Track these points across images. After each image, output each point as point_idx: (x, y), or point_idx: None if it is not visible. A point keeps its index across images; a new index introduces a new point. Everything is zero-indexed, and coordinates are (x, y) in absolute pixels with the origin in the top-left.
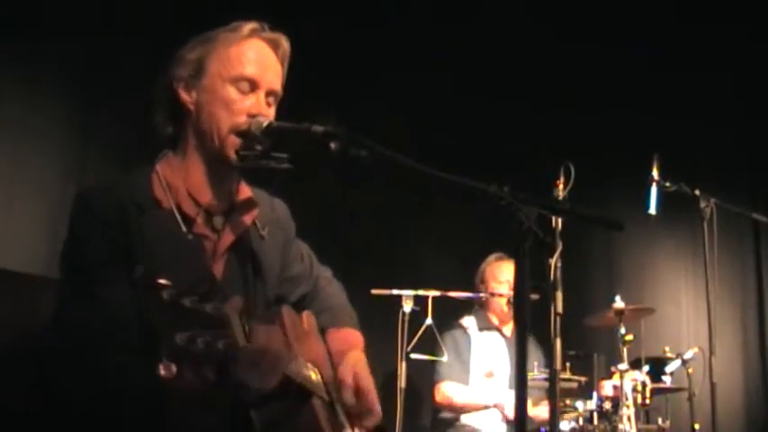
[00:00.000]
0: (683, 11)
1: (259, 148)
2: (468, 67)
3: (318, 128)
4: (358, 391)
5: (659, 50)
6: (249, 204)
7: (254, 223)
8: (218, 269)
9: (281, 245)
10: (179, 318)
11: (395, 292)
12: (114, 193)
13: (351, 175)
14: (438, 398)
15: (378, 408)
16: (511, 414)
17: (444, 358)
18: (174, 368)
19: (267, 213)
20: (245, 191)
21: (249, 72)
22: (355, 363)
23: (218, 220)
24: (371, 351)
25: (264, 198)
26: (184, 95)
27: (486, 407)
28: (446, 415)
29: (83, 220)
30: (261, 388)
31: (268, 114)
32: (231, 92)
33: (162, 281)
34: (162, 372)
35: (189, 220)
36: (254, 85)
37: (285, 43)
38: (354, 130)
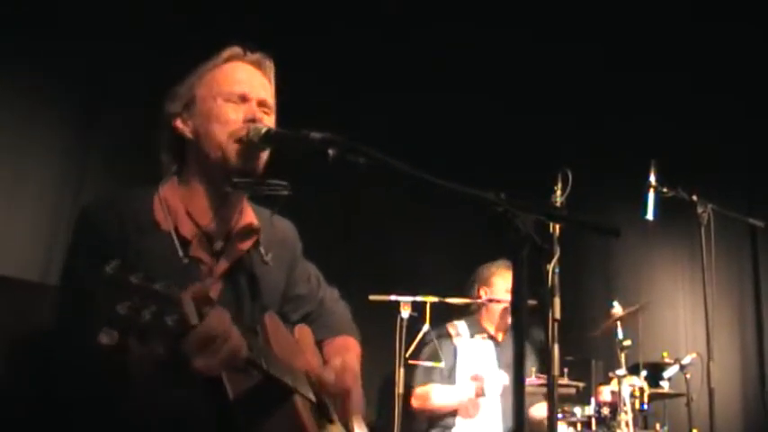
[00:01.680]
0: (682, 14)
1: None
2: (465, 73)
3: (316, 135)
4: (338, 371)
5: (657, 57)
6: (250, 231)
7: (257, 248)
8: (214, 292)
9: (285, 266)
10: (123, 291)
11: (393, 297)
12: (116, 210)
13: (349, 181)
14: (414, 403)
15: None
16: (489, 387)
17: (442, 364)
18: (115, 335)
19: (269, 234)
20: (248, 215)
21: (237, 88)
22: (340, 362)
23: (217, 245)
24: (369, 356)
25: (266, 218)
26: (182, 127)
27: (460, 402)
28: (442, 422)
29: (82, 233)
30: (209, 368)
31: (262, 119)
32: (222, 107)
33: (114, 260)
34: (103, 339)
35: (186, 244)
36: (244, 98)
37: (268, 61)
38: (351, 138)
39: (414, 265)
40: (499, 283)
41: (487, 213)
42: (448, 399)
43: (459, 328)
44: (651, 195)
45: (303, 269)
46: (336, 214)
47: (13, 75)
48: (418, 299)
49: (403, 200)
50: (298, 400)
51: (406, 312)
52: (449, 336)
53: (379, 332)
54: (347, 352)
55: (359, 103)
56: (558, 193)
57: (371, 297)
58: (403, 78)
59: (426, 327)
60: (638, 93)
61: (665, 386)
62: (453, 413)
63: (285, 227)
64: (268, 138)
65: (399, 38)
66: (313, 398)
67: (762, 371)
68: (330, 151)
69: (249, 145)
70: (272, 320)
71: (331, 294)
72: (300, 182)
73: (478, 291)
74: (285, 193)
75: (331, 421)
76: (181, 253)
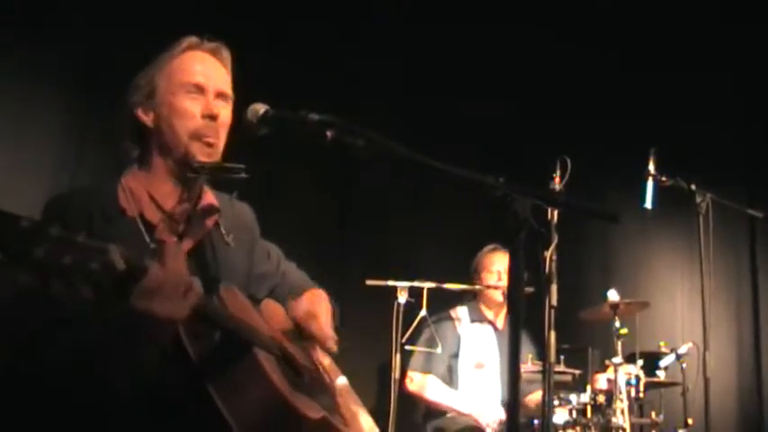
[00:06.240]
0: (682, 11)
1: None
2: (466, 61)
3: (315, 116)
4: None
5: (656, 47)
6: (210, 211)
7: (218, 229)
8: None
9: (246, 248)
10: (42, 239)
11: (390, 283)
12: (82, 201)
13: (347, 165)
14: (410, 387)
15: (328, 331)
16: (486, 423)
17: (438, 350)
18: (36, 279)
19: (231, 218)
20: (208, 196)
21: (194, 78)
22: (308, 299)
23: (180, 227)
24: (366, 341)
25: (226, 202)
26: (143, 117)
27: (460, 413)
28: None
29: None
30: (167, 316)
31: (219, 114)
32: (181, 100)
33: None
34: (23, 281)
35: (151, 228)
36: (200, 89)
37: (225, 51)
38: (352, 121)
39: (411, 251)
40: (487, 267)
41: (486, 198)
42: (444, 399)
43: (459, 313)
44: (650, 184)
45: (262, 248)
46: (334, 199)
47: (12, 63)
48: (415, 284)
49: (401, 185)
50: (259, 352)
51: (403, 298)
52: (451, 320)
53: (375, 317)
54: (315, 298)
55: (356, 93)
56: (557, 180)
57: (368, 282)
58: (401, 68)
59: (423, 312)
60: (639, 83)
61: (661, 375)
62: None
63: (244, 210)
64: (266, 119)
65: (400, 30)
66: (277, 352)
67: (758, 361)
68: (329, 133)
69: (247, 126)
70: (228, 291)
71: (291, 267)
72: (298, 167)
73: (473, 278)
74: (243, 175)
75: (300, 375)
76: (147, 238)
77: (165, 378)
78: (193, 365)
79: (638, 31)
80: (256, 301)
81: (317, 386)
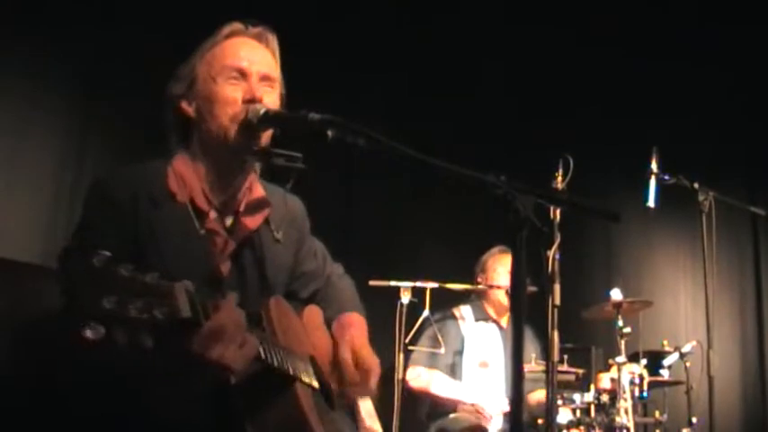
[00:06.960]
0: (682, 11)
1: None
2: (467, 61)
3: (315, 115)
4: (358, 366)
5: (658, 46)
6: (260, 204)
7: (268, 224)
8: (226, 267)
9: (294, 244)
10: (110, 285)
11: (393, 283)
12: (129, 182)
13: (349, 165)
14: (412, 382)
15: (372, 379)
16: (490, 414)
17: (442, 350)
18: (102, 330)
19: (281, 211)
20: (258, 190)
21: (236, 63)
22: (351, 339)
23: (229, 219)
24: (369, 342)
25: (279, 195)
26: (186, 108)
27: (462, 404)
28: (443, 406)
29: (95, 206)
30: (224, 365)
31: (262, 97)
32: (222, 86)
33: (102, 252)
34: (88, 334)
35: (202, 216)
36: (243, 73)
37: (270, 35)
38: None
39: (414, 251)
40: (494, 268)
41: (488, 196)
42: (449, 392)
43: (463, 312)
44: (652, 183)
45: (310, 246)
46: (337, 198)
47: (13, 62)
48: (418, 284)
49: (403, 184)
50: (299, 387)
51: (406, 298)
52: (455, 319)
53: (378, 318)
54: (352, 327)
55: (356, 91)
56: (559, 179)
57: (371, 282)
58: (403, 65)
59: (426, 312)
60: (641, 81)
61: (664, 374)
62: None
63: (295, 204)
64: (266, 118)
65: (402, 27)
66: (316, 384)
67: (762, 359)
68: (329, 132)
69: (249, 125)
70: (276, 305)
71: (337, 270)
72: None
73: (477, 278)
74: (300, 165)
75: (333, 408)
76: (197, 224)
77: (203, 403)
78: (233, 393)
79: (638, 31)
80: (298, 300)
81: (344, 411)
